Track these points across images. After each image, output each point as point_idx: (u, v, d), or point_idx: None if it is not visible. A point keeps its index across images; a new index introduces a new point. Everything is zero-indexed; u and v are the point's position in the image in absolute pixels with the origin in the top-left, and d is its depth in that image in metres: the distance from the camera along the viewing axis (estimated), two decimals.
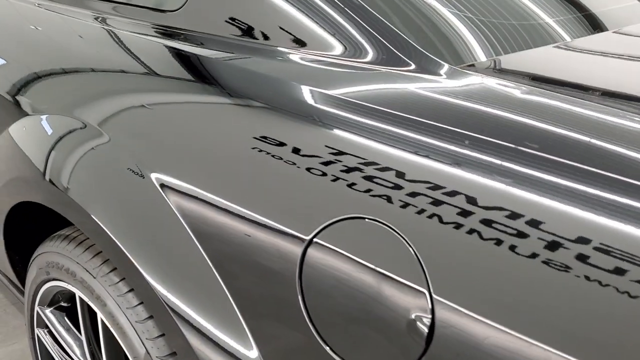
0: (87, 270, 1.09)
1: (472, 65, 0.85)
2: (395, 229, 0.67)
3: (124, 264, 0.95)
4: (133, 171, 0.95)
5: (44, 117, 1.12)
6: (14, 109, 1.19)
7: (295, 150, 0.79)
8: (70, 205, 1.04)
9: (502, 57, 0.90)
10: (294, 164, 0.78)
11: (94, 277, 1.08)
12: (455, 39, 0.90)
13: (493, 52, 0.90)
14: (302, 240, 0.75)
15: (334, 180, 0.74)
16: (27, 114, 1.16)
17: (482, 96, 0.78)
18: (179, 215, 0.89)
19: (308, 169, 0.77)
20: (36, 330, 1.34)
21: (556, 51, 0.95)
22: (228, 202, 0.83)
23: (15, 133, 1.17)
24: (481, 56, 0.89)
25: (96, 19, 1.22)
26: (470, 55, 0.88)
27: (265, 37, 0.96)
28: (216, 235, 0.85)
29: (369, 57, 0.86)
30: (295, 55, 0.92)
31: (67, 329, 1.28)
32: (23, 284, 1.46)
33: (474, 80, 0.82)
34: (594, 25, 1.06)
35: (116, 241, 0.94)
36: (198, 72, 1.00)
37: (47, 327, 1.31)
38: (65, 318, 1.28)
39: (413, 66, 0.84)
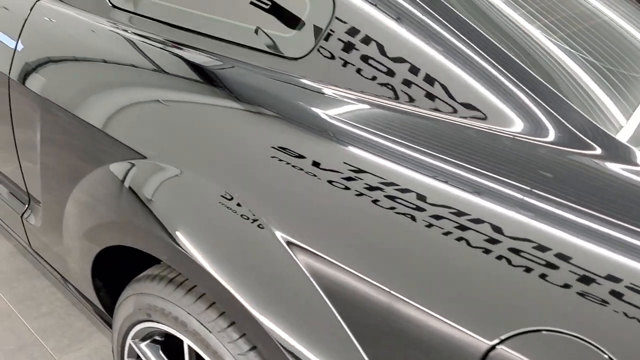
0: (201, 323, 1.04)
1: None
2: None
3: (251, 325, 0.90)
4: (255, 223, 0.90)
5: (158, 162, 1.04)
6: (116, 148, 1.11)
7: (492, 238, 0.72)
8: (189, 264, 0.98)
9: None
10: (489, 253, 0.72)
11: (210, 332, 1.03)
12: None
13: None
14: (484, 343, 0.70)
15: (537, 278, 0.68)
16: (134, 157, 1.07)
17: None
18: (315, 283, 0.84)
19: (499, 257, 0.71)
20: None
21: None
22: (382, 281, 0.78)
23: (122, 173, 1.08)
24: None
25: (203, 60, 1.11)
26: None
27: (435, 105, 0.87)
28: (359, 308, 0.81)
29: (549, 137, 0.79)
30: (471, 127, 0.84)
31: None
32: (100, 299, 1.41)
33: None
34: None
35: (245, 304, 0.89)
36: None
37: (138, 357, 1.28)
38: (161, 352, 1.25)
39: (599, 151, 0.77)
